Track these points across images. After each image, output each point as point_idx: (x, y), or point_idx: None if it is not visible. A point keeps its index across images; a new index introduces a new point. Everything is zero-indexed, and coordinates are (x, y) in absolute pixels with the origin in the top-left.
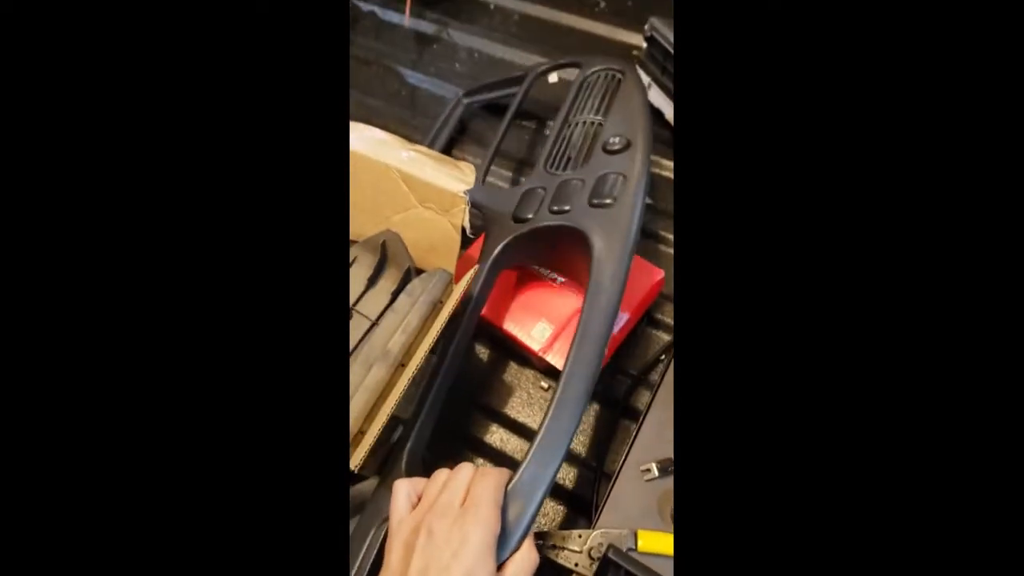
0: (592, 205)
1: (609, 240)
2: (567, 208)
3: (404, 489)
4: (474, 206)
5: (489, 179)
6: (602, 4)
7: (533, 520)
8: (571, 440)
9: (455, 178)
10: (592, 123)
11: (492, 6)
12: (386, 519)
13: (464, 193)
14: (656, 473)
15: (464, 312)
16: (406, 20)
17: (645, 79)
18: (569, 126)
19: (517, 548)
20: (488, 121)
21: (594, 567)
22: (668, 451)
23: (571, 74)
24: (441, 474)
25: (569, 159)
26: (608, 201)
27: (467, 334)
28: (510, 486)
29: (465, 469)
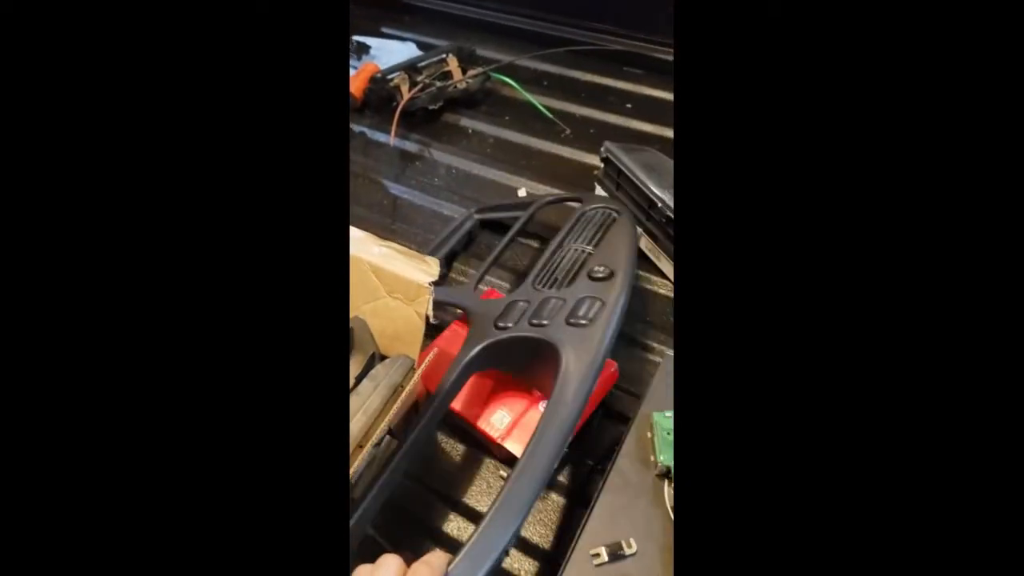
0: (568, 323)
1: (578, 357)
2: (545, 323)
3: None
4: (462, 310)
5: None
6: (567, 131)
7: None
8: (513, 536)
9: (421, 271)
10: (583, 251)
11: (470, 130)
12: None
13: (429, 284)
14: (606, 558)
15: (431, 402)
16: (391, 140)
17: (603, 193)
18: (562, 250)
19: None
20: (491, 237)
21: None
22: (618, 535)
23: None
24: (363, 570)
25: (556, 279)
26: (583, 322)
27: (431, 423)
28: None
29: (389, 564)
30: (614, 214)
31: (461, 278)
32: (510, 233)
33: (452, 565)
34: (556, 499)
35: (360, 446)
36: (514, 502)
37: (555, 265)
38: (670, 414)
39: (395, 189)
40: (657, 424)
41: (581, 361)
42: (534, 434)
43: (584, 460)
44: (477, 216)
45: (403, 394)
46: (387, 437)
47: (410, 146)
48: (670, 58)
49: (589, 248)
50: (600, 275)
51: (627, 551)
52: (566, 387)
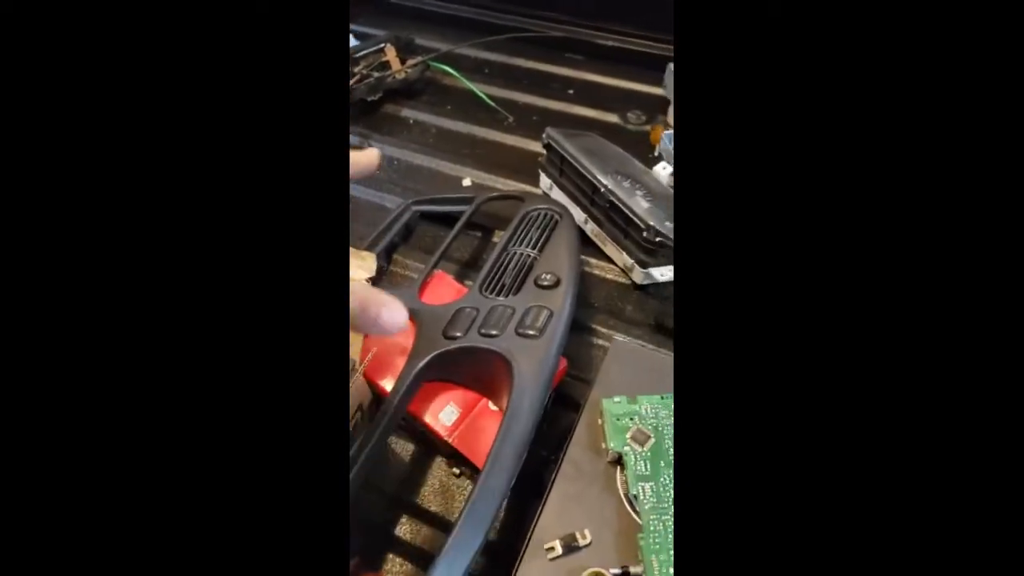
0: (518, 334)
1: (531, 368)
2: (495, 333)
3: None
4: (410, 315)
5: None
6: (510, 119)
7: None
8: (481, 546)
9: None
10: (528, 256)
11: (411, 121)
12: None
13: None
14: (560, 551)
15: (384, 412)
16: None
17: (547, 182)
18: (507, 255)
19: None
20: (432, 229)
21: None
22: (572, 527)
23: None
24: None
25: (504, 285)
26: (533, 332)
27: (385, 434)
28: None
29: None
30: (556, 216)
31: (404, 271)
32: (451, 235)
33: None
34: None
35: None
36: (476, 520)
37: (501, 270)
38: (619, 399)
39: None
40: (607, 411)
41: (533, 372)
42: (492, 447)
43: (538, 451)
44: (415, 208)
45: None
46: None
47: (351, 139)
48: (610, 43)
49: (534, 253)
50: (547, 283)
51: (581, 542)
52: (522, 399)
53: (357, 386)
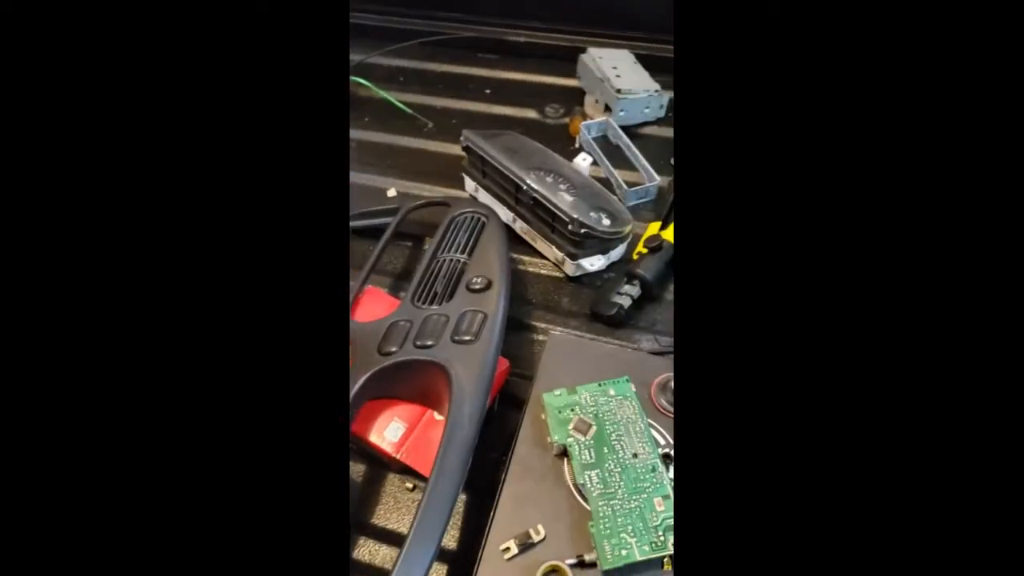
0: (454, 341)
1: (469, 374)
2: (431, 343)
3: None
4: None
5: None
6: (430, 125)
7: None
8: (435, 555)
9: None
10: (458, 261)
11: None
12: None
13: None
14: (516, 551)
15: None
16: None
17: (471, 184)
18: (437, 262)
19: None
20: (361, 245)
21: None
22: (525, 524)
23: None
24: None
25: (435, 294)
26: (468, 338)
27: None
28: None
29: None
30: (482, 219)
31: None
32: (377, 248)
33: None
34: (462, 497)
35: None
36: (426, 530)
37: (432, 279)
38: (559, 392)
39: None
40: (548, 405)
41: (472, 377)
42: (436, 458)
43: (488, 453)
44: None
45: None
46: None
47: None
48: (521, 39)
49: (463, 257)
50: (478, 286)
51: (535, 538)
52: (461, 407)
53: None
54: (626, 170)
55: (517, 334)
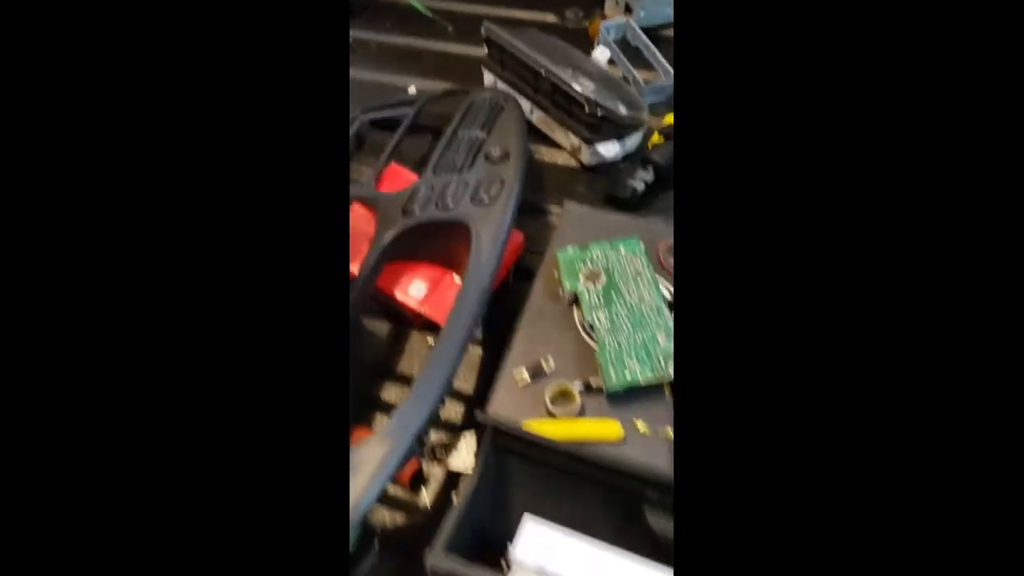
0: (473, 203)
1: (488, 230)
2: (451, 205)
3: None
4: (369, 205)
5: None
6: (450, 29)
7: (405, 457)
8: (446, 385)
9: None
10: (476, 138)
11: (352, 40)
12: None
13: None
14: (528, 378)
15: (352, 289)
16: None
17: (490, 79)
18: (456, 138)
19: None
20: (383, 136)
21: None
22: (537, 359)
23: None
24: None
25: (455, 165)
26: (486, 200)
27: (356, 307)
28: (382, 429)
29: None
30: (501, 102)
31: (359, 179)
32: (400, 129)
33: (392, 416)
34: (478, 353)
35: None
36: (443, 356)
37: (452, 152)
38: (572, 249)
39: None
40: (560, 259)
41: (490, 234)
42: (456, 299)
43: (504, 318)
44: (364, 116)
45: None
46: None
47: None
48: None
49: (482, 134)
50: (496, 157)
51: (546, 369)
52: (479, 256)
53: None
54: (644, 70)
55: (533, 216)
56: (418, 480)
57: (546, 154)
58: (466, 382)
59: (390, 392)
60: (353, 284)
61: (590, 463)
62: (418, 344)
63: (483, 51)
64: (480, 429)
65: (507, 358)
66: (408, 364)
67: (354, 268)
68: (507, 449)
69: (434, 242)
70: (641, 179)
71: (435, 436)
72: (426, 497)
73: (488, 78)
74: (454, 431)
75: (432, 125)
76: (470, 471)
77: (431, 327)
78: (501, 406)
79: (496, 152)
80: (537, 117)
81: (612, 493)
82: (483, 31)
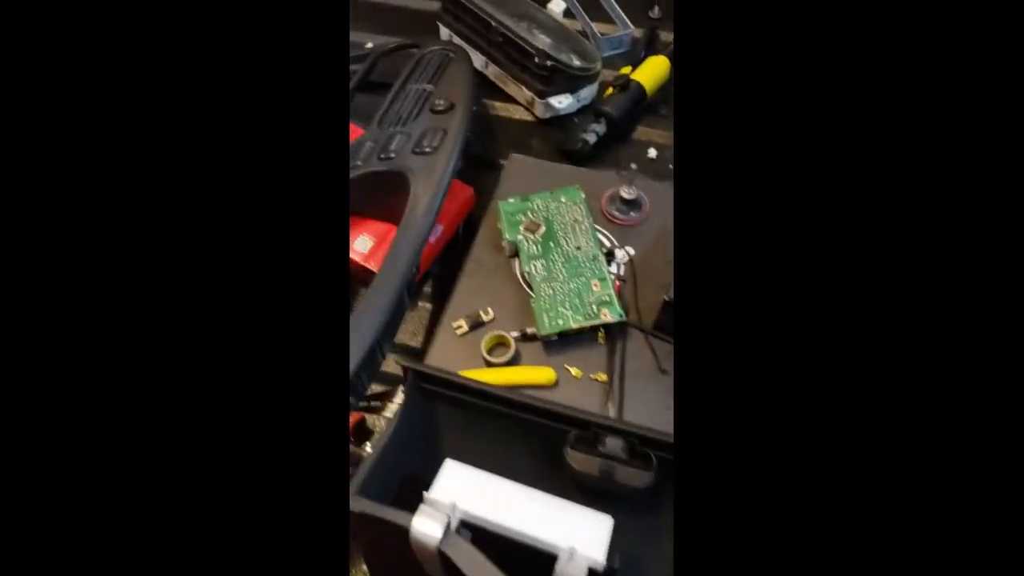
0: (414, 153)
1: (427, 179)
2: (392, 156)
3: None
4: None
5: None
6: None
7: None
8: (378, 334)
9: None
10: (424, 90)
11: None
12: None
13: None
14: (466, 328)
15: None
16: None
17: (445, 33)
18: (404, 92)
19: None
20: None
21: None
22: (476, 309)
23: None
24: None
25: (400, 118)
26: (428, 149)
27: None
28: None
29: None
30: (450, 55)
31: None
32: (352, 83)
33: None
34: (426, 307)
35: None
36: (372, 303)
37: (399, 105)
38: (513, 199)
39: None
40: (502, 211)
41: (429, 183)
42: (390, 247)
43: (451, 274)
44: None
45: None
46: None
47: None
48: None
49: (429, 86)
50: (441, 108)
51: (485, 318)
52: (416, 205)
53: None
54: (603, 23)
55: (484, 171)
56: (361, 432)
57: (501, 109)
58: (414, 337)
59: None
60: None
61: (520, 406)
62: (355, 301)
63: (436, 4)
64: (405, 374)
65: (446, 309)
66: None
67: None
68: (436, 395)
69: (377, 195)
70: (593, 131)
71: (376, 388)
72: (369, 449)
73: (444, 33)
74: (397, 384)
75: (386, 82)
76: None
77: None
78: (439, 356)
79: (441, 104)
80: (492, 72)
81: (541, 438)
82: None
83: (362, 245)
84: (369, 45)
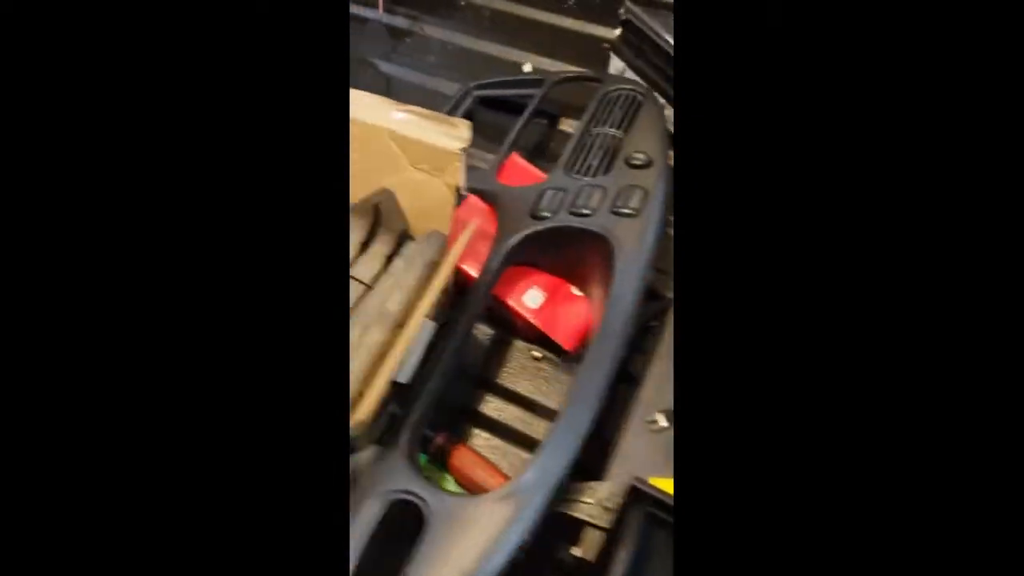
0: (614, 213)
1: (633, 248)
2: (588, 212)
3: None
4: (488, 199)
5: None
6: (571, 2)
7: (538, 520)
8: (589, 430)
9: (450, 135)
10: (613, 136)
11: (463, 3)
12: (387, 491)
13: (460, 150)
14: (664, 423)
15: (472, 294)
16: (380, 12)
17: (619, 65)
18: (590, 135)
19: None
20: (493, 116)
21: (608, 516)
22: (671, 403)
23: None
24: None
25: (590, 166)
26: (630, 211)
27: (473, 315)
28: (509, 486)
29: None
30: (639, 96)
31: (476, 167)
32: (526, 113)
33: (532, 461)
34: None
35: (400, 325)
36: (587, 395)
37: (586, 151)
38: None
39: (387, 68)
40: None
41: (635, 252)
42: (600, 327)
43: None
44: (476, 92)
45: (441, 273)
46: (426, 321)
47: (399, 21)
48: None
49: (619, 133)
50: (639, 162)
51: None
52: (624, 279)
53: (450, 264)
54: None
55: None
56: None
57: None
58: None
59: (487, 405)
60: (475, 287)
61: None
62: (520, 355)
63: (608, 31)
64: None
65: (638, 396)
66: (509, 376)
67: (473, 270)
68: (651, 517)
69: (561, 250)
70: None
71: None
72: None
73: (616, 64)
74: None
75: (548, 111)
76: (605, 524)
77: (540, 339)
78: (625, 457)
79: (639, 158)
80: (670, 116)
81: None
82: (621, 13)
83: (532, 300)
84: (528, 67)
